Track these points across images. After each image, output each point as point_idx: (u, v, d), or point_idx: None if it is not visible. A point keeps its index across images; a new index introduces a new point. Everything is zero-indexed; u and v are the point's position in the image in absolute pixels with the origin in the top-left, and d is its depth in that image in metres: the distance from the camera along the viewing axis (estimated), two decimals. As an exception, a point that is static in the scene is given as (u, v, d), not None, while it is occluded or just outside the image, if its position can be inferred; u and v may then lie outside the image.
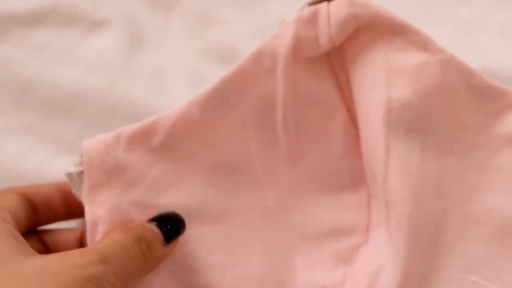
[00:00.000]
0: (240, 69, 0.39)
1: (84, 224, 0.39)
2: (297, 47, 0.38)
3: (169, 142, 0.40)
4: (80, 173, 0.39)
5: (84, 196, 0.39)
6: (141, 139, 0.40)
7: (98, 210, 0.39)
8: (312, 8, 0.38)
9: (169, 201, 0.40)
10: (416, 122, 0.38)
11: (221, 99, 0.39)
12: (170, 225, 0.38)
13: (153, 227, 0.37)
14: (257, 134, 0.41)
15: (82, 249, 0.35)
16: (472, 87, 0.40)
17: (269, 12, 0.50)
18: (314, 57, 0.40)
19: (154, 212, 0.39)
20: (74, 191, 0.39)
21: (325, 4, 0.38)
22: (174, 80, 0.48)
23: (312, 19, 0.38)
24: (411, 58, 0.38)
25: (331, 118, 0.41)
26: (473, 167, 0.40)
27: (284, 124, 0.40)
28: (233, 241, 0.41)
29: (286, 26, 0.38)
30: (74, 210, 0.40)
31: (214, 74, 0.41)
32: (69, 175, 0.39)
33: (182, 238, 0.39)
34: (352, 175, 0.42)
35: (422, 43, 0.38)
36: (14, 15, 0.51)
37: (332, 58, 0.40)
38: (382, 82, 0.38)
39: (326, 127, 0.41)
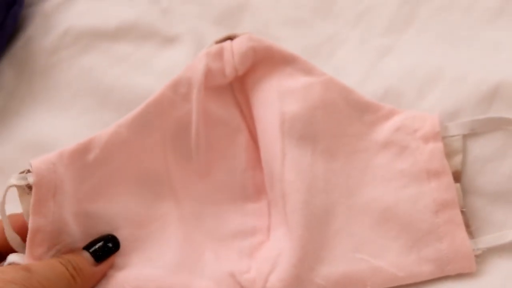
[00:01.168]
0: (161, 95, 0.45)
1: None
2: (208, 76, 0.44)
3: (102, 159, 0.44)
4: (26, 186, 0.42)
5: (30, 207, 0.42)
6: (79, 156, 0.44)
7: (41, 220, 0.42)
8: (219, 45, 0.45)
9: (101, 208, 0.44)
10: (306, 131, 0.44)
11: (144, 122, 0.45)
12: (100, 248, 0.42)
13: (82, 251, 0.42)
14: (174, 152, 0.45)
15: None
16: (352, 102, 0.45)
17: (316, 32, 0.54)
18: (220, 86, 0.46)
19: (88, 221, 0.43)
20: (20, 199, 0.42)
21: (228, 42, 0.45)
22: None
23: (219, 54, 0.45)
24: (299, 81, 0.44)
25: (235, 137, 0.46)
26: (356, 168, 0.45)
27: (197, 144, 0.45)
28: (152, 242, 0.44)
29: (198, 59, 0.45)
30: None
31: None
32: (19, 188, 0.42)
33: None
34: (254, 186, 0.47)
35: (307, 69, 0.45)
36: (100, 30, 0.57)
37: (235, 87, 0.46)
38: (276, 100, 0.44)
39: (231, 145, 0.46)
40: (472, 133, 0.45)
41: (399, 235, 0.43)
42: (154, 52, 0.56)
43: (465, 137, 0.45)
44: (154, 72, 0.55)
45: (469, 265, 0.42)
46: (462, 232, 0.43)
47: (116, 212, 0.44)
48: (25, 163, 0.43)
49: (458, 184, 0.44)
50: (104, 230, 0.44)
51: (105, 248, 0.43)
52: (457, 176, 0.44)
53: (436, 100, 0.47)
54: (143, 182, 0.45)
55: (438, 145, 0.44)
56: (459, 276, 0.42)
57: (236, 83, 0.47)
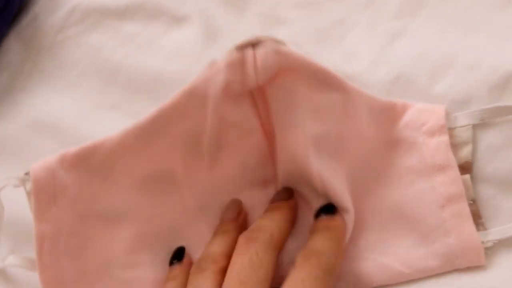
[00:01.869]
0: (173, 104, 0.41)
1: None
2: (226, 89, 0.40)
3: (106, 163, 0.43)
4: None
5: (33, 215, 0.42)
6: (83, 160, 0.43)
7: (45, 227, 0.42)
8: (240, 54, 0.39)
9: (103, 207, 0.44)
10: (334, 151, 0.43)
11: (154, 131, 0.42)
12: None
13: None
14: (184, 154, 0.43)
15: None
16: (369, 109, 0.44)
17: (326, 14, 0.53)
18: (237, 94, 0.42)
19: (96, 221, 0.44)
20: (29, 203, 0.43)
21: (251, 51, 0.39)
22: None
23: (240, 65, 0.39)
24: (330, 98, 0.41)
25: (248, 137, 0.43)
26: (370, 170, 0.45)
27: (209, 148, 0.43)
28: (161, 239, 0.45)
29: (217, 71, 0.39)
30: None
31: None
32: (28, 194, 0.43)
33: (111, 236, 0.44)
34: (263, 180, 0.45)
35: (334, 84, 0.42)
36: (108, 8, 0.56)
37: (254, 91, 0.42)
38: (306, 116, 0.41)
39: (244, 145, 0.44)
40: (482, 122, 0.44)
41: (408, 232, 0.43)
42: (162, 32, 0.55)
43: (475, 127, 0.45)
44: (162, 52, 0.54)
45: (478, 258, 0.42)
46: (470, 225, 0.42)
47: (118, 209, 0.44)
48: (28, 141, 0.47)
49: (467, 176, 0.44)
50: (111, 229, 0.44)
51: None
52: (468, 167, 0.44)
53: (448, 86, 0.47)
54: (147, 181, 0.45)
55: (444, 139, 0.44)
56: (468, 269, 0.42)
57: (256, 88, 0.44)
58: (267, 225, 0.41)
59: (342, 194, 0.42)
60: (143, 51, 0.54)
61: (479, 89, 0.46)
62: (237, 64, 0.39)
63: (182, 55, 0.53)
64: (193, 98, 0.41)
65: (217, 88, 0.40)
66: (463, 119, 0.45)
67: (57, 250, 0.43)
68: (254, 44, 0.39)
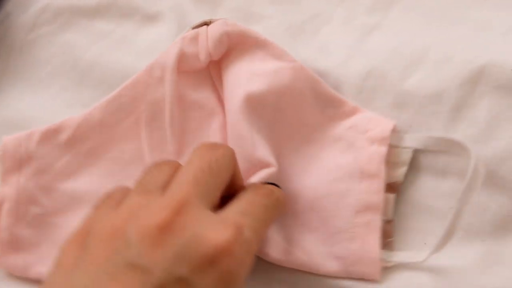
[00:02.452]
0: (136, 79, 0.46)
1: None
2: (182, 60, 0.45)
3: (74, 139, 0.47)
4: None
5: None
6: (51, 135, 0.47)
7: (6, 190, 0.46)
8: (195, 30, 0.45)
9: (71, 187, 0.47)
10: (269, 113, 0.44)
11: (119, 105, 0.46)
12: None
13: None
14: (148, 135, 0.46)
15: None
16: (317, 93, 0.45)
17: (301, 8, 0.53)
18: (198, 71, 0.46)
19: (59, 196, 0.46)
20: None
21: (204, 27, 0.45)
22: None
23: (194, 39, 0.45)
24: (269, 65, 0.44)
25: (210, 120, 0.46)
26: (304, 156, 0.45)
27: (171, 126, 0.45)
28: None
29: (173, 44, 0.45)
30: None
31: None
32: None
33: (73, 217, 0.46)
34: None
35: (278, 54, 0.45)
36: (79, 6, 0.56)
37: (212, 71, 0.46)
38: (244, 81, 0.43)
39: (206, 128, 0.46)
40: (424, 149, 0.44)
41: (318, 226, 0.44)
42: (135, 30, 0.55)
43: (417, 151, 0.45)
44: (135, 50, 0.54)
45: (373, 272, 0.42)
46: (375, 239, 0.42)
47: (86, 190, 0.46)
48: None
49: (392, 195, 0.44)
50: (73, 206, 0.46)
51: None
52: (396, 187, 0.44)
53: (420, 81, 0.46)
54: (115, 163, 0.47)
55: (381, 149, 0.44)
56: (361, 281, 0.43)
57: (213, 67, 0.47)
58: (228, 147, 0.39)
59: (269, 158, 0.43)
60: (115, 49, 0.54)
61: (451, 83, 0.46)
62: (192, 37, 0.45)
63: (155, 53, 0.50)
64: (153, 72, 0.45)
65: (172, 58, 0.45)
66: (407, 141, 0.45)
67: (15, 214, 0.46)
68: (208, 24, 0.45)
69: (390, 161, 0.44)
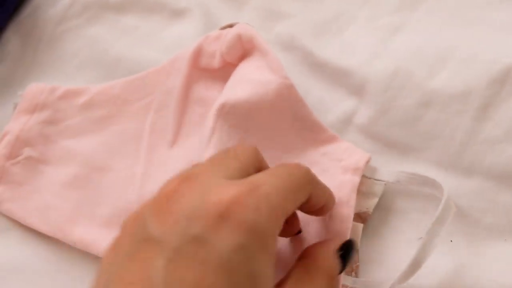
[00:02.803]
0: (162, 67, 0.48)
1: None
2: (200, 57, 0.47)
3: (90, 104, 0.50)
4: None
5: (12, 115, 0.50)
6: (72, 95, 0.50)
7: (13, 126, 0.50)
8: (219, 31, 0.47)
9: (70, 144, 0.49)
10: (240, 121, 0.43)
11: (140, 86, 0.49)
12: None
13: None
14: (153, 119, 0.48)
15: None
16: (298, 115, 0.45)
17: (326, 7, 0.53)
18: (216, 71, 0.47)
19: (55, 149, 0.49)
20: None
21: (228, 29, 0.46)
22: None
23: (217, 38, 0.47)
24: (261, 75, 0.44)
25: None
26: None
27: (174, 116, 0.47)
28: (97, 188, 0.48)
29: (196, 41, 0.47)
30: None
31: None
32: (15, 104, 0.51)
33: (67, 173, 0.48)
34: None
35: (274, 67, 0.44)
36: (107, 1, 0.57)
37: (228, 75, 0.46)
38: (230, 86, 0.44)
39: (203, 125, 0.45)
40: (396, 183, 0.44)
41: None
42: (161, 25, 0.55)
43: (389, 184, 0.45)
44: (160, 45, 0.54)
45: None
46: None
47: (81, 152, 0.49)
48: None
49: (361, 225, 0.43)
50: (65, 161, 0.49)
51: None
52: (365, 217, 0.44)
53: (446, 80, 0.46)
54: (116, 136, 0.49)
55: (354, 179, 0.43)
56: None
57: (230, 70, 0.47)
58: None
59: None
60: (142, 44, 0.55)
61: (478, 83, 0.45)
62: (215, 37, 0.47)
63: (179, 48, 0.51)
64: (176, 63, 0.48)
65: (189, 52, 0.47)
66: (381, 174, 0.44)
67: (10, 148, 0.49)
68: (232, 26, 0.47)
69: (362, 191, 0.44)
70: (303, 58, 0.51)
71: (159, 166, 0.47)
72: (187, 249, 0.28)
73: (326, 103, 0.49)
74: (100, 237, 0.46)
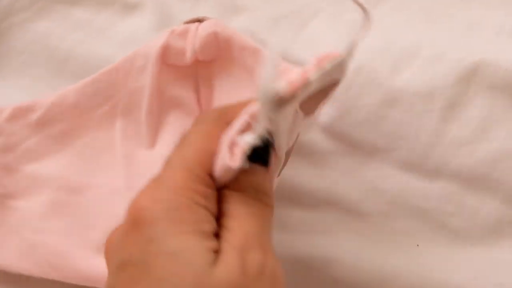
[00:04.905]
0: (117, 66, 0.44)
1: None
2: (166, 53, 0.43)
3: (46, 120, 0.45)
4: None
5: None
6: (22, 114, 0.45)
7: None
8: (186, 25, 0.44)
9: (34, 169, 0.45)
10: None
11: (96, 90, 0.45)
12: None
13: None
14: (123, 124, 0.45)
15: None
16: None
17: (286, 2, 0.51)
18: (184, 69, 0.45)
19: (18, 177, 0.44)
20: None
21: (196, 24, 0.43)
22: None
23: (183, 34, 0.43)
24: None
25: (187, 119, 0.45)
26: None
27: (148, 117, 0.44)
28: (81, 211, 0.44)
29: (160, 35, 0.43)
30: None
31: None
32: None
33: (42, 202, 0.44)
34: None
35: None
36: None
37: (200, 73, 0.45)
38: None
39: (180, 127, 0.45)
40: None
41: None
42: (114, 19, 0.53)
43: None
44: (113, 40, 0.52)
45: None
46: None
47: (51, 175, 0.45)
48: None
49: None
50: (34, 189, 0.45)
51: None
52: None
53: (411, 78, 0.45)
54: (86, 150, 0.45)
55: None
56: None
57: (202, 68, 0.45)
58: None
59: None
60: (94, 39, 0.52)
61: (444, 82, 0.45)
62: (181, 32, 0.43)
63: (134, 43, 0.51)
64: (136, 60, 0.44)
65: (156, 49, 0.43)
66: None
67: None
68: (201, 21, 0.43)
69: None
70: (262, 54, 0.49)
71: (142, 172, 0.44)
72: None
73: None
74: (100, 265, 0.41)
